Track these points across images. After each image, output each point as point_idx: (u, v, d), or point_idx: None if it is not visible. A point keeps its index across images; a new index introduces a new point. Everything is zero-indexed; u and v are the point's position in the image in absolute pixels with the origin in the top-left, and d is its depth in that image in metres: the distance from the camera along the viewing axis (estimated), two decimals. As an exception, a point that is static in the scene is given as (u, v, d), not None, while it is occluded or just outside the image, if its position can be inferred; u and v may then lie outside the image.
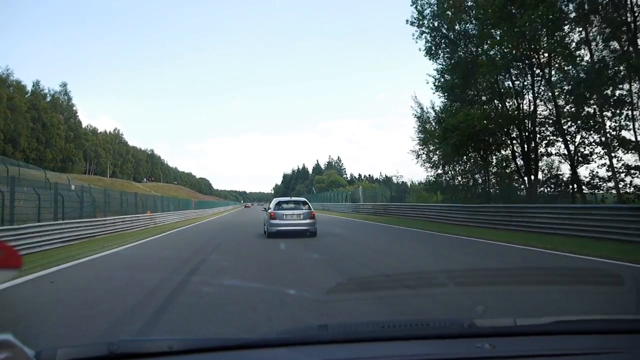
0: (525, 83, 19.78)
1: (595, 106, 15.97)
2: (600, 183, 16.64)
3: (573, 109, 16.83)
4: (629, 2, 13.66)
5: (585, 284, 4.79)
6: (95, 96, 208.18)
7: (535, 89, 19.02)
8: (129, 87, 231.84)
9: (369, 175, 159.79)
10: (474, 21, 19.79)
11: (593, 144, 16.95)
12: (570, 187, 18.10)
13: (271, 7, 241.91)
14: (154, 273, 7.69)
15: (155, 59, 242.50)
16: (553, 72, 18.01)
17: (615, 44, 14.86)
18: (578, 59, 15.97)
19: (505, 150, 21.04)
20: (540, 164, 19.55)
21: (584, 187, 17.26)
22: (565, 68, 16.95)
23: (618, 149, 15.55)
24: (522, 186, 20.44)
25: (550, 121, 18.57)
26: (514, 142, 20.44)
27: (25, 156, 67.88)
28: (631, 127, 14.81)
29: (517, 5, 15.50)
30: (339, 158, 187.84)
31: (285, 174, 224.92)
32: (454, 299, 4.96)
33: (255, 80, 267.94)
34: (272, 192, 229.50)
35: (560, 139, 18.09)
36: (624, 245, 10.09)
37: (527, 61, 18.62)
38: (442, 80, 21.93)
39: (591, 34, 15.64)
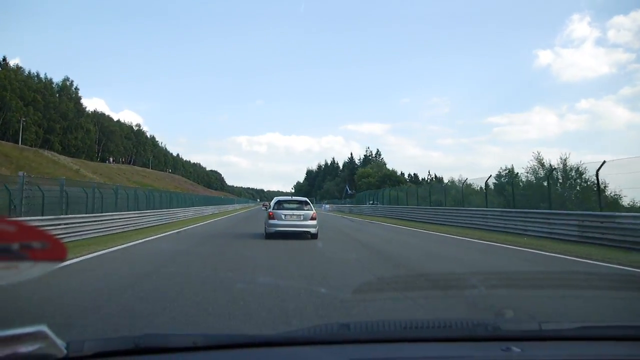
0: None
1: None
2: None
3: None
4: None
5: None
6: (119, 91, 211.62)
7: None
8: (152, 83, 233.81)
9: (413, 174, 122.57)
10: None
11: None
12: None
13: (296, 10, 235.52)
14: None
15: (177, 58, 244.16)
16: None
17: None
18: None
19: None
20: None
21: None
22: None
23: None
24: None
25: None
26: None
27: None
28: None
29: None
30: (378, 152, 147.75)
31: (309, 170, 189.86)
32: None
33: (278, 81, 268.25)
34: (293, 190, 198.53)
35: None
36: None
37: None
38: None
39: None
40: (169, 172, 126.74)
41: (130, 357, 1.39)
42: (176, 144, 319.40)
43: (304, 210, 13.19)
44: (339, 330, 1.74)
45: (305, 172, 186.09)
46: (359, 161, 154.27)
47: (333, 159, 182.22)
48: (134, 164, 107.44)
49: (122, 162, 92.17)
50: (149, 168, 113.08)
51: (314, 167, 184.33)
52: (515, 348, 1.50)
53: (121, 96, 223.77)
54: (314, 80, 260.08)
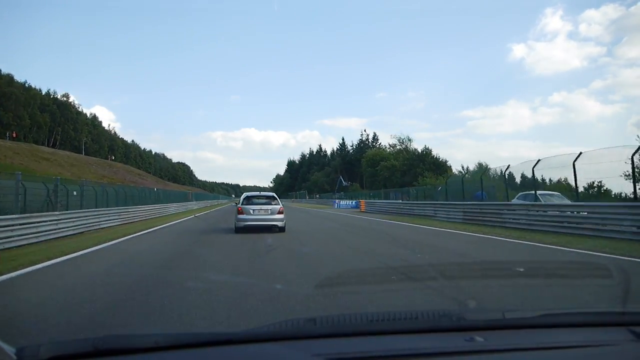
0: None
1: None
2: None
3: None
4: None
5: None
6: (91, 86, 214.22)
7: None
8: (125, 79, 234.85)
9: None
10: None
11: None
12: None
13: (270, 5, 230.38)
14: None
15: (152, 52, 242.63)
16: None
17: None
18: None
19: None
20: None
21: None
22: None
23: None
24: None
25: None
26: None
27: None
28: None
29: None
30: (375, 136, 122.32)
31: (290, 160, 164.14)
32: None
33: (253, 76, 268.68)
34: (272, 184, 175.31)
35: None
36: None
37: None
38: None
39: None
40: (112, 159, 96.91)
41: None
42: (150, 141, 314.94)
43: (271, 205, 13.68)
44: (305, 325, 1.69)
45: (285, 164, 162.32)
46: (352, 146, 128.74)
47: (320, 146, 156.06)
48: (54, 146, 77.78)
49: (17, 139, 62.09)
50: (82, 153, 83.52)
51: (296, 157, 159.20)
52: (479, 338, 1.51)
53: (93, 92, 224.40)
54: (290, 75, 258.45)
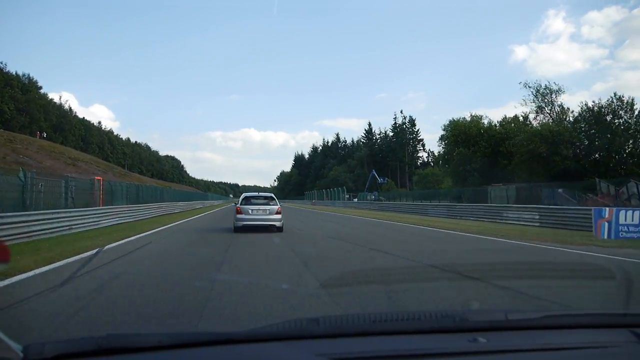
0: None
1: None
2: None
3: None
4: None
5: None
6: (89, 85, 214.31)
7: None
8: (124, 77, 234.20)
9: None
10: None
11: None
12: None
13: (269, 5, 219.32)
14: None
15: (151, 52, 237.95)
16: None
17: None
18: None
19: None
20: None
21: None
22: None
23: None
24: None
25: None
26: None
27: None
28: None
29: None
30: (412, 120, 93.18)
31: (298, 155, 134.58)
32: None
33: (253, 76, 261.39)
34: (277, 182, 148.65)
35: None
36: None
37: None
38: None
39: None
40: (42, 137, 66.38)
41: (94, 359, 1.33)
42: (149, 140, 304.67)
43: (269, 205, 14.09)
44: (308, 326, 1.70)
45: (285, 164, 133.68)
46: (381, 134, 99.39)
47: (337, 135, 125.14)
48: None
49: None
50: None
51: (305, 151, 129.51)
52: (482, 338, 1.51)
53: (92, 91, 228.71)
54: (290, 75, 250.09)
